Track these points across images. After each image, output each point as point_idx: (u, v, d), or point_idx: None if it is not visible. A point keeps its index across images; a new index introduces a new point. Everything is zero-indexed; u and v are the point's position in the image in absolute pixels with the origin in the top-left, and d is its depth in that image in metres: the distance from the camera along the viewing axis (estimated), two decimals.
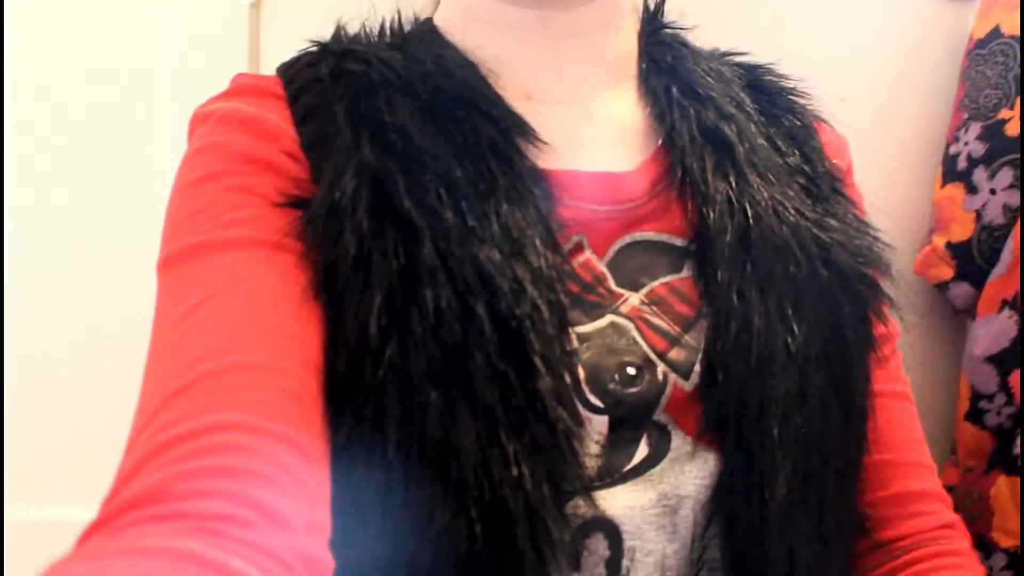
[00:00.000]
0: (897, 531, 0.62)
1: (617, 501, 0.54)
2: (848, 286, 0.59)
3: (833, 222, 0.61)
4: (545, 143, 0.57)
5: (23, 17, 1.15)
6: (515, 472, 0.48)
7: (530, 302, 0.51)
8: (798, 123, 0.65)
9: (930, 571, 0.60)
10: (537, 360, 0.50)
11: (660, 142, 0.61)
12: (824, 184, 0.63)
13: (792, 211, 0.59)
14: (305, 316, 0.49)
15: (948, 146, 1.23)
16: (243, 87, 0.58)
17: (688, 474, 0.55)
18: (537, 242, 0.53)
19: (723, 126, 0.61)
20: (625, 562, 0.54)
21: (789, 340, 0.56)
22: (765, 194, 0.59)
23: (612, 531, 0.54)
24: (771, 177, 0.60)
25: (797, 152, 0.64)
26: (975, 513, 1.11)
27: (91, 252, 1.17)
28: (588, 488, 0.53)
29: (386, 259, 0.50)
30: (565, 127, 0.59)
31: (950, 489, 1.15)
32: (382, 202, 0.51)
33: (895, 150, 1.27)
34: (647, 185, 0.59)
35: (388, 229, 0.50)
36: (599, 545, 0.54)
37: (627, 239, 0.58)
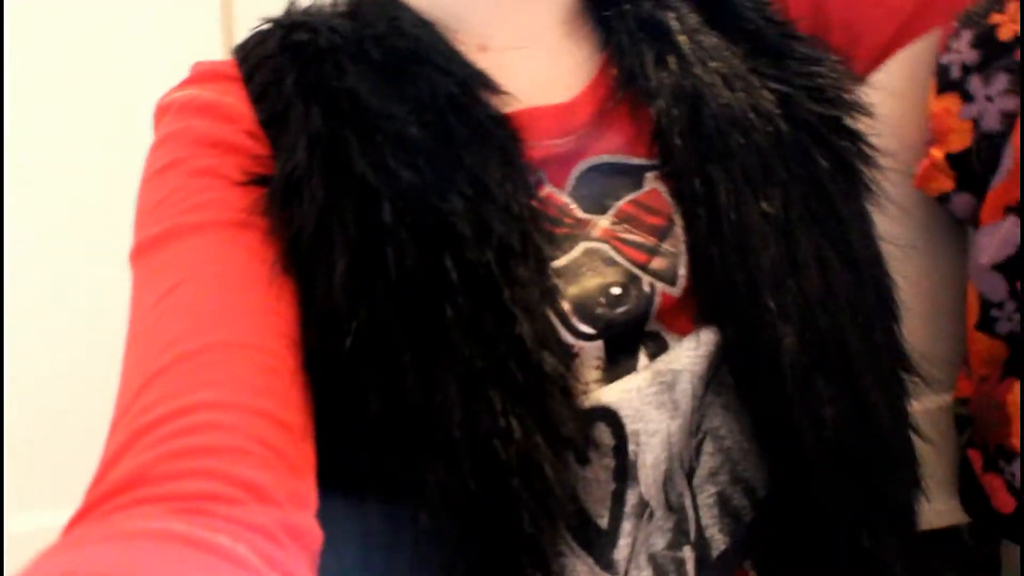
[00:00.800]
0: None
1: (612, 387, 0.54)
2: (818, 136, 0.58)
3: (789, 72, 0.60)
4: (504, 92, 0.57)
5: (21, 17, 1.14)
6: (503, 423, 0.48)
7: (498, 241, 0.50)
8: (764, 22, 0.64)
9: None
10: (511, 305, 0.49)
11: (603, 54, 0.61)
12: (772, 35, 0.62)
13: (742, 75, 0.58)
14: (276, 292, 0.50)
15: (940, 56, 1.21)
16: (200, 74, 0.58)
17: (681, 348, 0.55)
18: (504, 184, 0.53)
19: (659, 13, 0.60)
20: (631, 446, 0.54)
21: (765, 206, 0.55)
22: (711, 68, 0.58)
23: (612, 418, 0.54)
24: (716, 52, 0.59)
25: (739, 23, 0.63)
26: (992, 422, 1.11)
27: (93, 255, 1.14)
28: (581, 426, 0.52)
29: (345, 226, 0.50)
30: (525, 70, 0.59)
31: (965, 401, 1.16)
32: (337, 169, 0.51)
33: (886, 65, 1.26)
34: (593, 107, 0.59)
35: (345, 195, 0.50)
36: (603, 434, 0.54)
37: (583, 165, 0.58)
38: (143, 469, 0.40)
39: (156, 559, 0.34)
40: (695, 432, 0.57)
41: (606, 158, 0.59)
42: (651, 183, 0.58)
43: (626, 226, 0.57)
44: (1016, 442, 1.10)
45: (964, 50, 1.17)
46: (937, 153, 1.20)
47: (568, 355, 0.52)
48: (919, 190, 1.23)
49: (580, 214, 0.57)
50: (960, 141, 1.18)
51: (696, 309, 0.56)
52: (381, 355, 0.48)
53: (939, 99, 1.20)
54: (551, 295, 0.52)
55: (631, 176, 0.59)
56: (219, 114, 0.55)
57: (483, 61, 0.58)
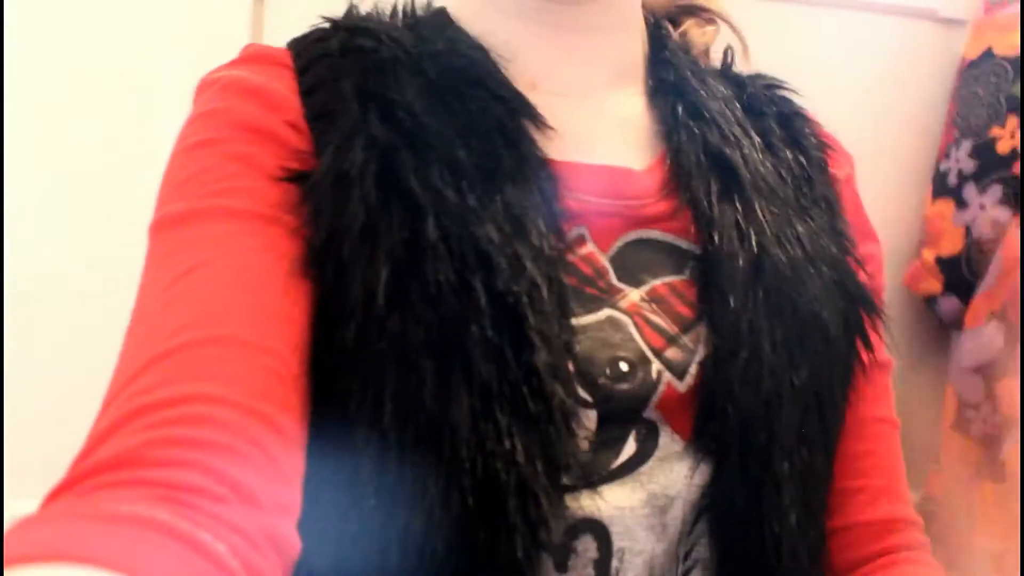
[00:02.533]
0: (877, 547, 0.63)
1: (606, 501, 0.53)
2: (842, 322, 0.60)
3: (830, 257, 0.61)
4: (552, 129, 0.57)
5: (24, 15, 1.15)
6: (507, 445, 0.48)
7: (529, 280, 0.51)
8: (796, 152, 0.66)
9: (899, 563, 0.61)
10: (533, 335, 0.50)
11: (667, 156, 0.61)
12: (821, 215, 0.63)
13: (795, 242, 0.59)
14: (293, 294, 0.49)
15: (939, 163, 1.25)
16: (252, 56, 0.58)
17: (677, 473, 0.55)
18: (540, 223, 0.53)
19: (727, 150, 0.61)
20: (614, 563, 0.54)
21: (793, 376, 0.56)
22: (771, 222, 0.59)
23: (601, 532, 0.53)
24: (775, 204, 0.60)
25: (797, 182, 0.64)
26: (962, 521, 1.12)
27: (92, 248, 1.17)
28: (582, 475, 0.52)
29: (392, 232, 0.50)
30: (570, 119, 0.59)
31: (936, 498, 1.17)
32: (389, 176, 0.51)
33: (887, 166, 1.29)
34: (655, 186, 0.59)
35: (394, 203, 0.50)
36: (588, 546, 0.53)
37: (632, 236, 0.58)
38: (133, 451, 0.39)
39: (139, 547, 0.34)
40: (684, 559, 0.57)
41: (656, 234, 0.58)
42: (691, 274, 0.58)
43: (654, 306, 0.56)
44: (983, 540, 1.10)
45: (962, 159, 1.20)
46: (928, 255, 1.23)
47: (575, 394, 0.52)
48: (907, 289, 1.26)
49: (614, 280, 0.56)
50: (951, 245, 1.21)
51: (697, 415, 0.56)
52: (404, 362, 0.48)
53: (934, 203, 1.24)
54: (568, 336, 0.52)
55: (676, 258, 0.58)
56: (265, 100, 0.54)
57: (532, 99, 0.57)
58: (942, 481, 1.19)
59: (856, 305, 0.61)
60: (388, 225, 0.49)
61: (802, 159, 0.65)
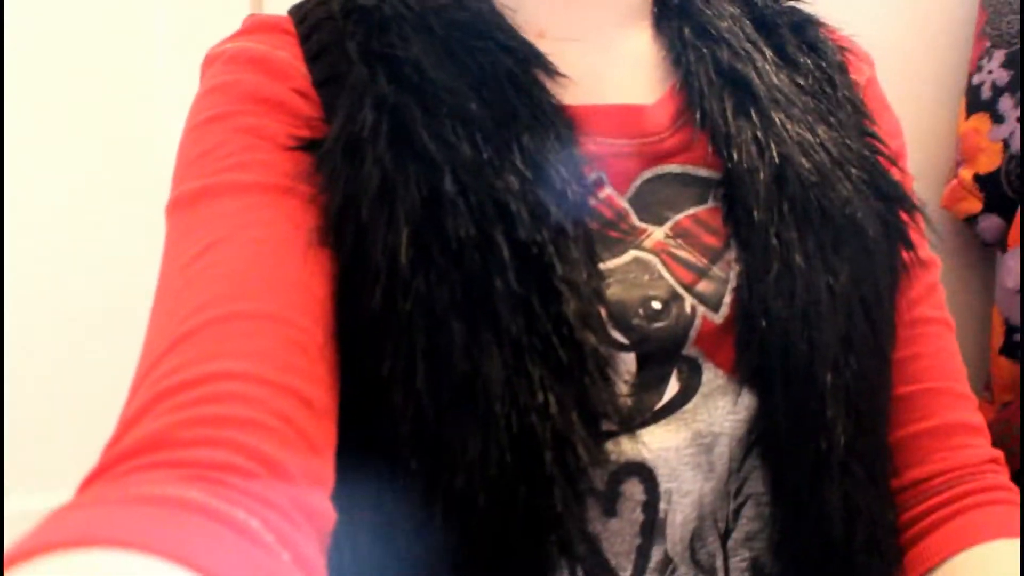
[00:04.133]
0: (941, 464, 0.61)
1: (650, 443, 0.53)
2: (880, 223, 0.58)
3: (859, 158, 0.60)
4: (563, 75, 0.57)
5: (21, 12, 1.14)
6: (540, 398, 0.48)
7: (553, 227, 0.50)
8: (815, 57, 0.64)
9: (976, 506, 0.59)
10: (560, 284, 0.49)
11: (678, 84, 0.60)
12: (847, 118, 0.62)
13: (819, 148, 0.59)
14: (313, 265, 0.49)
15: (971, 76, 1.20)
16: (254, 25, 0.58)
17: (722, 410, 0.55)
18: (560, 169, 0.52)
19: (739, 65, 0.60)
20: (662, 505, 0.54)
21: (832, 282, 0.55)
22: (791, 132, 0.58)
23: (647, 475, 0.53)
24: (795, 113, 0.60)
25: (817, 88, 0.63)
26: (1013, 448, 1.10)
27: (91, 240, 1.17)
28: (622, 422, 0.52)
29: (409, 190, 0.49)
30: (581, 62, 0.58)
31: (987, 427, 1.14)
32: (401, 135, 0.51)
33: (916, 83, 1.25)
34: (668, 119, 0.59)
35: (408, 161, 0.50)
36: (634, 490, 0.53)
37: (649, 174, 0.58)
38: (162, 433, 0.40)
39: (173, 528, 0.34)
40: (735, 495, 0.56)
41: (674, 168, 0.58)
42: (715, 200, 0.58)
43: (680, 241, 0.56)
44: None
45: (995, 70, 1.16)
46: (965, 174, 1.19)
47: (609, 340, 0.52)
48: (945, 211, 1.22)
49: (636, 221, 0.56)
50: (989, 162, 1.17)
51: (739, 348, 0.55)
52: (432, 322, 0.48)
53: (968, 119, 1.19)
54: (597, 282, 0.52)
55: (697, 188, 0.58)
56: (270, 69, 0.54)
57: (542, 46, 0.57)
58: (992, 409, 1.16)
59: (892, 204, 0.60)
60: (405, 184, 0.49)
61: (822, 63, 0.64)
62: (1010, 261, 1.13)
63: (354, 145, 0.51)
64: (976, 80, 1.18)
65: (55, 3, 1.14)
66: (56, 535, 0.32)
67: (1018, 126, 1.13)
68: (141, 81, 1.16)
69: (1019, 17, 1.15)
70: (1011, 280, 1.12)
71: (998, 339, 1.15)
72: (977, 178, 1.17)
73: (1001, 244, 1.16)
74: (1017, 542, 0.56)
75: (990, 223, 1.18)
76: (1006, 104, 1.15)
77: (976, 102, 1.18)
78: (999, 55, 1.16)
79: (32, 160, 1.15)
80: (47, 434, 1.16)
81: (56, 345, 1.17)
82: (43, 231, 1.16)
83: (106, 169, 1.16)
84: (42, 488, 1.16)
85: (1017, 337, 1.12)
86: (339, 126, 0.51)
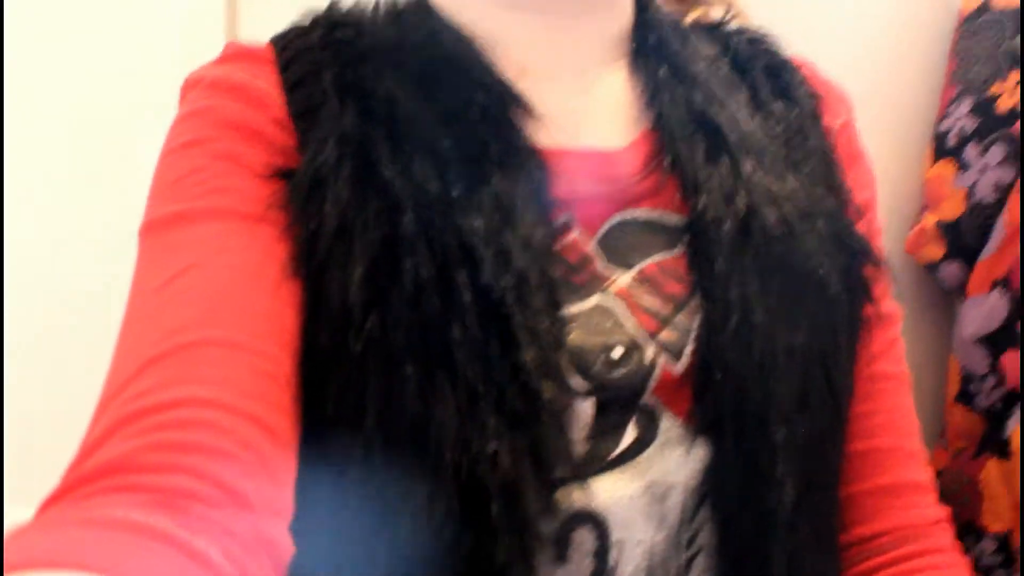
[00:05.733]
0: (890, 523, 0.60)
1: (603, 493, 0.52)
2: (844, 278, 0.58)
3: (826, 211, 0.59)
4: (538, 117, 0.56)
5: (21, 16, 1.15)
6: (492, 447, 0.47)
7: (516, 272, 0.50)
8: (788, 104, 0.63)
9: (920, 570, 0.59)
10: (520, 332, 0.49)
11: (650, 126, 0.59)
12: (817, 168, 0.61)
13: (787, 200, 0.58)
14: (284, 294, 0.49)
15: (939, 122, 1.20)
16: (235, 53, 0.57)
17: (676, 460, 0.54)
18: (527, 215, 0.52)
19: (712, 110, 0.59)
20: (613, 553, 0.53)
21: (791, 337, 0.54)
22: (761, 182, 0.58)
23: (599, 523, 0.53)
24: (766, 162, 0.59)
25: (789, 136, 0.62)
26: (964, 498, 1.10)
27: (92, 252, 1.17)
28: (576, 471, 0.51)
29: (367, 230, 0.49)
30: (558, 103, 0.58)
31: (939, 473, 1.14)
32: (364, 172, 0.50)
33: (885, 127, 1.25)
34: (640, 164, 0.58)
35: (370, 199, 0.50)
36: (586, 538, 0.53)
37: (619, 217, 0.57)
38: (126, 457, 0.39)
39: (134, 553, 0.34)
40: (687, 545, 0.55)
41: (643, 213, 0.58)
42: (682, 247, 0.57)
43: (645, 288, 0.56)
44: (987, 520, 1.08)
45: (963, 117, 1.16)
46: (929, 220, 1.19)
47: (567, 390, 0.51)
48: (908, 256, 1.22)
49: (601, 267, 0.56)
50: (952, 209, 1.17)
51: (695, 399, 0.54)
52: (386, 364, 0.48)
53: (935, 165, 1.19)
54: (558, 331, 0.51)
55: (665, 235, 0.57)
56: (249, 97, 0.54)
57: (521, 84, 0.57)
58: (946, 456, 1.15)
59: (856, 258, 0.59)
60: (363, 223, 0.49)
61: (795, 110, 0.63)
62: (969, 309, 1.12)
63: (316, 182, 0.50)
64: (944, 127, 1.19)
65: (55, 3, 1.16)
66: (15, 556, 0.32)
67: (982, 175, 1.14)
68: (142, 80, 1.16)
69: (985, 67, 1.16)
70: (969, 329, 1.12)
71: (954, 387, 1.15)
72: (940, 225, 1.18)
73: (960, 292, 1.16)
74: None
75: (951, 270, 1.18)
76: (971, 152, 1.15)
77: (942, 148, 1.19)
78: (967, 102, 1.16)
79: (32, 157, 1.17)
80: (47, 444, 1.13)
81: (57, 354, 1.18)
82: (45, 241, 1.18)
83: (103, 174, 1.17)
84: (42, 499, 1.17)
85: (973, 386, 1.12)
86: (307, 160, 0.51)
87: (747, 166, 0.58)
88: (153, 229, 0.51)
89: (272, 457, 0.43)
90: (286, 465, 0.45)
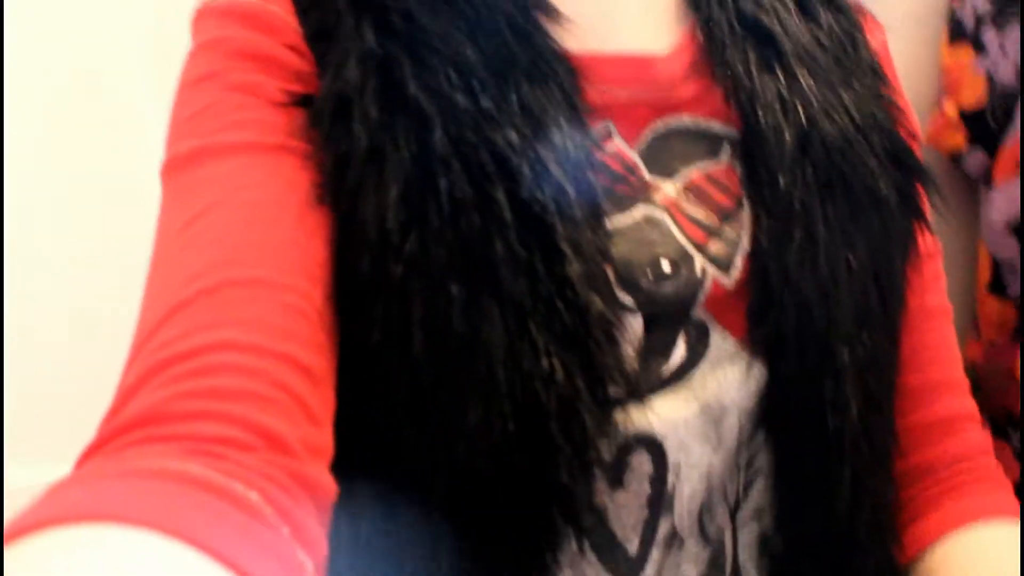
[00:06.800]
0: (939, 450, 0.61)
1: (658, 415, 0.52)
2: (899, 197, 0.57)
3: (881, 127, 0.58)
4: (567, 19, 0.54)
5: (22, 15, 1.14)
6: (545, 364, 0.46)
7: (554, 184, 0.48)
8: (837, 14, 0.62)
9: (972, 490, 0.60)
10: (564, 245, 0.48)
11: (696, 30, 0.57)
12: (868, 82, 0.60)
13: (842, 112, 0.57)
14: (310, 225, 0.48)
15: (952, 5, 1.16)
16: None
17: (731, 380, 0.53)
18: (562, 122, 0.50)
19: (764, 17, 0.58)
20: (670, 477, 0.53)
21: (850, 256, 0.54)
22: (816, 93, 0.56)
23: (655, 447, 0.52)
24: (819, 73, 0.57)
25: (839, 48, 0.61)
26: (1000, 387, 1.08)
27: (89, 215, 1.17)
28: (630, 390, 0.50)
29: (398, 149, 0.47)
30: (587, 5, 0.56)
31: (973, 366, 1.13)
32: (389, 89, 0.49)
33: (897, 12, 1.21)
34: (682, 68, 0.56)
35: (398, 117, 0.48)
36: (642, 462, 0.52)
37: (661, 125, 0.56)
38: (158, 406, 0.40)
39: (172, 502, 0.34)
40: (744, 468, 0.55)
41: (686, 120, 0.56)
42: (728, 157, 0.56)
43: (692, 198, 0.55)
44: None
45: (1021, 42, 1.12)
46: (950, 108, 1.16)
47: (615, 303, 0.50)
48: (930, 148, 1.19)
49: (646, 176, 0.55)
50: (973, 95, 1.13)
51: (749, 308, 0.54)
52: (429, 286, 0.47)
53: (951, 50, 1.16)
54: (602, 242, 0.50)
55: (709, 144, 0.56)
56: (261, 24, 0.52)
57: None
58: (980, 347, 1.14)
59: (911, 176, 0.58)
60: (394, 142, 0.47)
61: (844, 21, 0.61)
62: (997, 197, 1.10)
63: (342, 103, 0.48)
64: (958, 9, 1.15)
65: (56, 3, 1.14)
66: (56, 510, 0.32)
67: (1002, 57, 1.10)
68: (143, 80, 1.15)
69: None
70: (998, 216, 1.09)
71: (985, 276, 1.13)
72: (961, 112, 1.15)
73: (987, 180, 1.13)
74: (1010, 524, 0.57)
75: (976, 159, 1.14)
76: (989, 34, 1.11)
77: (958, 32, 1.15)
78: None
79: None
80: (47, 406, 1.16)
81: (56, 317, 1.17)
82: (44, 204, 1.16)
83: (104, 142, 1.17)
84: (42, 460, 1.19)
85: (1005, 274, 1.10)
86: (327, 84, 0.50)
87: (802, 76, 0.56)
88: (172, 168, 0.51)
89: (307, 397, 0.43)
90: (323, 403, 0.45)
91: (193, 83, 0.52)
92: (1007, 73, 1.09)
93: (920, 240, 0.59)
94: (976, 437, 0.62)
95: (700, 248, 0.53)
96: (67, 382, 1.15)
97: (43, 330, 1.17)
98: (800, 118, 0.55)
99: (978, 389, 1.10)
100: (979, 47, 1.12)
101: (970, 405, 0.63)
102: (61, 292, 1.17)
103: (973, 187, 1.21)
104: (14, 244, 1.15)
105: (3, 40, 1.12)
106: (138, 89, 1.15)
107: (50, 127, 1.16)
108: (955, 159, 1.17)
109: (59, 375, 1.17)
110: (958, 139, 1.15)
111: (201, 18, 0.55)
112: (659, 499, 0.53)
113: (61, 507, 0.32)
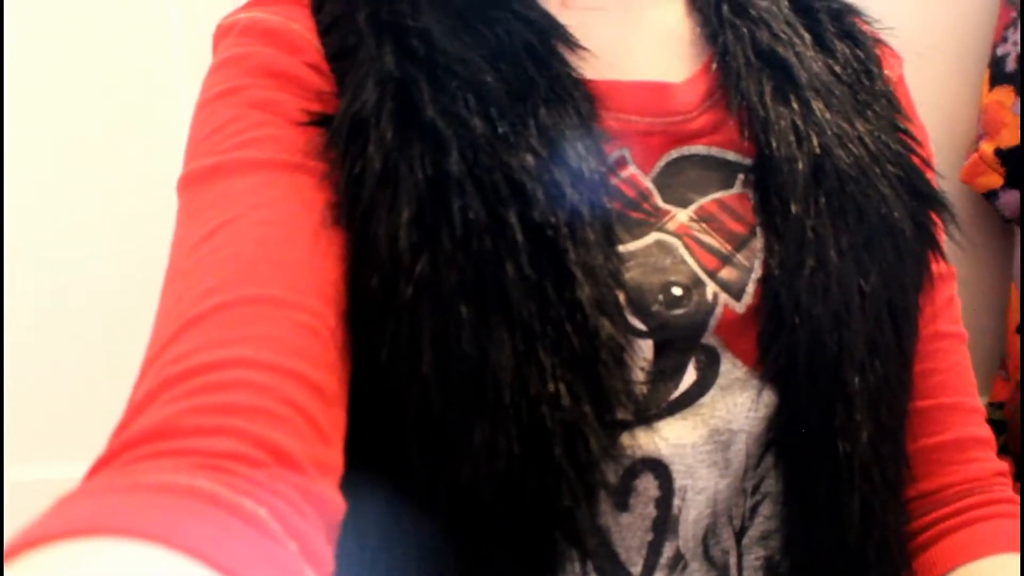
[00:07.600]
0: (952, 477, 0.60)
1: (666, 440, 0.52)
2: (913, 225, 0.57)
3: (895, 155, 0.58)
4: (584, 49, 0.55)
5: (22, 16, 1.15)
6: (551, 388, 0.47)
7: (568, 208, 0.49)
8: (852, 46, 0.62)
9: (983, 519, 0.59)
10: (575, 268, 0.48)
11: (712, 61, 0.58)
12: (883, 112, 0.60)
13: (857, 142, 0.57)
14: (325, 245, 0.48)
15: (995, 47, 1.17)
16: None
17: (740, 406, 0.53)
18: (579, 146, 0.51)
19: (779, 48, 0.58)
20: (676, 501, 0.53)
21: (863, 283, 0.54)
22: (831, 122, 0.57)
23: (661, 471, 0.52)
24: (833, 103, 0.58)
25: (855, 78, 0.61)
26: None
27: (89, 215, 1.17)
28: (637, 414, 0.51)
29: (412, 171, 0.48)
30: (605, 35, 0.57)
31: (1000, 405, 1.13)
32: (406, 112, 0.49)
33: (938, 53, 1.22)
34: (698, 98, 0.57)
35: (414, 140, 0.48)
36: (648, 485, 0.52)
37: (675, 154, 0.56)
38: (168, 421, 0.39)
39: (180, 517, 0.34)
40: (751, 492, 0.55)
41: (700, 149, 0.57)
42: (741, 186, 0.56)
43: (704, 226, 0.55)
44: None
45: (1021, 41, 1.13)
46: (987, 148, 1.16)
47: (625, 327, 0.50)
48: (965, 185, 1.19)
49: (659, 203, 0.55)
50: (1012, 136, 1.14)
51: (760, 335, 0.54)
52: (439, 307, 0.47)
53: (992, 92, 1.16)
54: (614, 266, 0.50)
55: (723, 172, 0.57)
56: (283, 42, 0.52)
57: (564, 16, 0.55)
58: (1008, 387, 1.14)
59: (925, 205, 0.58)
60: (409, 165, 0.47)
61: (860, 53, 0.62)
62: None
63: (358, 125, 0.49)
64: (1000, 51, 1.16)
65: (56, 3, 1.15)
66: (63, 524, 0.32)
67: None
68: (142, 80, 1.15)
69: None
70: None
71: (1015, 317, 1.13)
72: (998, 152, 1.15)
73: (1021, 220, 1.14)
74: (1018, 557, 0.56)
75: (1011, 198, 1.15)
76: None
77: (1000, 74, 1.15)
78: None
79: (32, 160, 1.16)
80: (49, 403, 1.16)
81: (57, 316, 1.18)
82: (45, 200, 1.17)
83: (114, 142, 1.15)
84: (43, 457, 1.18)
85: None
86: (345, 105, 0.50)
87: (817, 106, 0.57)
88: (190, 183, 0.51)
89: (317, 415, 0.43)
90: (333, 422, 0.44)
91: (213, 99, 0.52)
92: None
93: (934, 265, 0.59)
94: (986, 462, 0.61)
95: (712, 274, 0.54)
96: (67, 382, 1.17)
97: (44, 328, 1.18)
98: (814, 147, 0.55)
99: (1005, 429, 1.11)
100: (1021, 89, 1.13)
101: (984, 431, 0.62)
102: (65, 292, 1.17)
103: (1007, 230, 1.21)
104: (14, 244, 1.16)
105: (3, 40, 1.13)
106: (145, 94, 1.14)
107: (55, 128, 1.16)
108: (989, 198, 1.17)
109: (59, 375, 1.18)
110: (994, 178, 1.16)
111: (223, 34, 0.55)
112: (664, 522, 0.53)
113: (68, 520, 0.32)
